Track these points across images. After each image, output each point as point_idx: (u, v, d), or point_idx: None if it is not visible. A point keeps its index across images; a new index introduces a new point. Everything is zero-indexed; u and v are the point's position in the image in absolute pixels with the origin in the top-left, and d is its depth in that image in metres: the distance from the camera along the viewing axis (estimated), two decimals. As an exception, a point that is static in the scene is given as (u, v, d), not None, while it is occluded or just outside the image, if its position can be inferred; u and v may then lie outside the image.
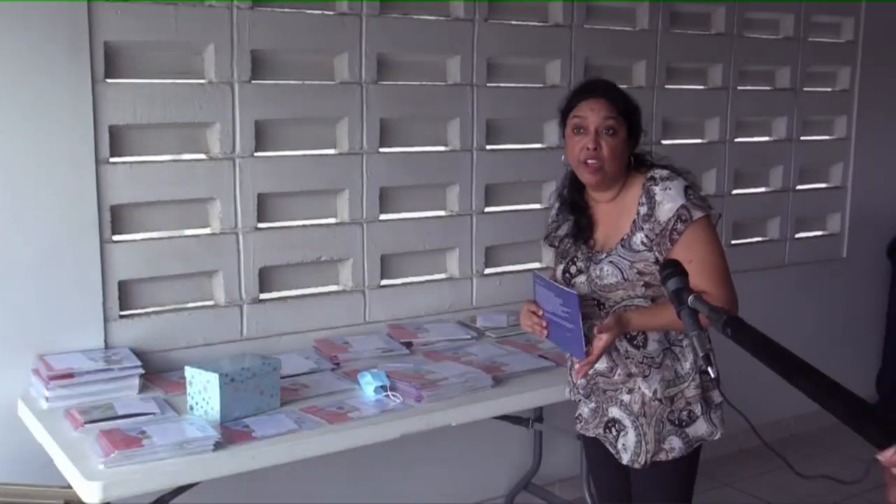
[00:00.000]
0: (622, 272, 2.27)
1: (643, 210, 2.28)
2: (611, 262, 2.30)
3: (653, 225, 2.25)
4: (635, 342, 2.31)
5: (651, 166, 2.35)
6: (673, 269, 1.84)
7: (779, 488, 4.02)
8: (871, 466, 1.39)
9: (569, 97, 2.39)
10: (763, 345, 1.49)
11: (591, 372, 2.35)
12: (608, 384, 2.37)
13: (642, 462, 2.33)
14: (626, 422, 2.34)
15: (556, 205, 2.53)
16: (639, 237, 2.28)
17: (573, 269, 2.38)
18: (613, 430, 2.38)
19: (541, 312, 2.33)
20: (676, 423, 2.33)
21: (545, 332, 2.33)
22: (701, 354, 1.64)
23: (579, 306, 2.20)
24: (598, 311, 2.33)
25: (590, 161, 2.28)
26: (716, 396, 2.36)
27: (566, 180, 2.47)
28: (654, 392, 2.30)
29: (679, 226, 2.23)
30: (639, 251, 2.27)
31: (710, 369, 1.64)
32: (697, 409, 2.33)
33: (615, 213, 2.36)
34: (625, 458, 2.36)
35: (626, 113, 2.32)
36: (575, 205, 2.42)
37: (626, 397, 2.34)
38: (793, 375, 1.42)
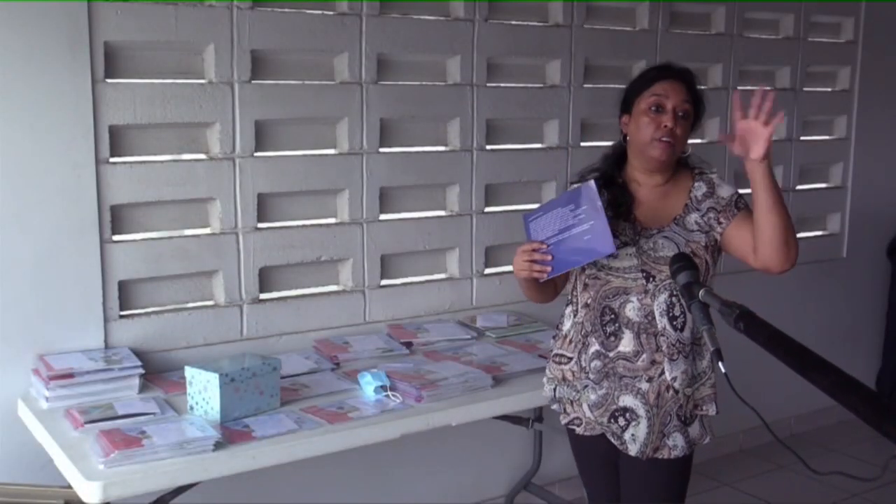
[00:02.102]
0: (678, 247, 2.30)
1: (699, 193, 2.38)
2: (665, 236, 2.33)
3: (716, 200, 2.36)
4: (675, 322, 2.29)
5: (693, 167, 2.45)
6: (683, 262, 1.82)
7: (778, 488, 4.02)
8: (890, 463, 1.37)
9: (644, 76, 2.43)
10: (777, 339, 1.46)
11: (611, 355, 2.33)
12: (628, 370, 2.32)
13: (648, 454, 2.32)
14: (640, 411, 2.31)
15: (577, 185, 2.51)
16: (693, 217, 2.35)
17: (616, 242, 2.35)
18: (621, 419, 2.34)
19: (544, 246, 2.30)
20: (682, 419, 2.33)
21: (547, 268, 2.28)
22: (712, 349, 1.62)
23: (598, 191, 2.25)
24: (646, 283, 2.31)
25: (665, 139, 2.32)
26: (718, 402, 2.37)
27: (607, 159, 2.48)
28: (674, 379, 2.28)
29: (741, 203, 2.37)
30: (692, 230, 2.33)
31: (720, 364, 1.63)
32: (711, 410, 2.34)
33: (660, 197, 2.40)
34: (632, 450, 2.33)
35: (697, 102, 2.40)
36: (613, 181, 2.43)
37: (644, 385, 2.31)
38: (809, 371, 1.38)
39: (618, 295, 2.34)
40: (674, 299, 2.29)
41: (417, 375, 2.80)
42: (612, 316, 2.34)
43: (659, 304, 2.30)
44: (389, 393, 2.68)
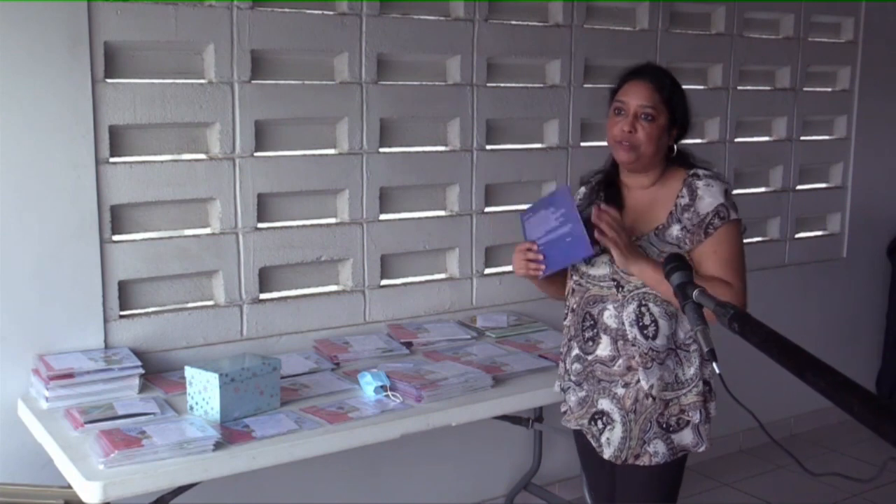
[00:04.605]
0: None
1: (682, 202, 2.32)
2: (640, 246, 2.30)
3: (691, 216, 2.30)
4: (646, 332, 2.30)
5: (693, 165, 2.40)
6: (677, 263, 1.81)
7: (778, 488, 4.02)
8: (887, 464, 1.36)
9: (619, 78, 2.42)
10: (772, 340, 1.45)
11: (590, 358, 2.37)
12: (605, 374, 2.36)
13: (623, 458, 2.34)
14: (616, 416, 2.34)
15: (582, 189, 2.55)
16: (675, 229, 2.32)
17: (595, 248, 2.36)
18: (599, 422, 2.38)
19: (535, 246, 2.35)
20: (664, 426, 2.32)
21: (542, 266, 2.33)
22: (706, 349, 1.62)
23: (570, 194, 2.32)
24: (616, 292, 2.32)
25: (624, 142, 2.32)
26: (711, 409, 2.36)
27: (606, 164, 2.50)
28: (651, 387, 2.29)
29: (716, 221, 2.30)
30: (670, 243, 2.30)
31: (714, 365, 1.63)
32: (695, 417, 2.32)
33: (648, 202, 2.37)
34: (607, 453, 2.37)
35: (671, 100, 2.34)
36: (610, 184, 2.44)
37: (620, 391, 2.33)
38: (804, 372, 1.37)
39: (597, 303, 2.37)
40: (643, 309, 2.30)
41: (417, 375, 2.80)
42: (592, 322, 2.38)
43: (628, 314, 2.31)
44: (389, 393, 2.68)
